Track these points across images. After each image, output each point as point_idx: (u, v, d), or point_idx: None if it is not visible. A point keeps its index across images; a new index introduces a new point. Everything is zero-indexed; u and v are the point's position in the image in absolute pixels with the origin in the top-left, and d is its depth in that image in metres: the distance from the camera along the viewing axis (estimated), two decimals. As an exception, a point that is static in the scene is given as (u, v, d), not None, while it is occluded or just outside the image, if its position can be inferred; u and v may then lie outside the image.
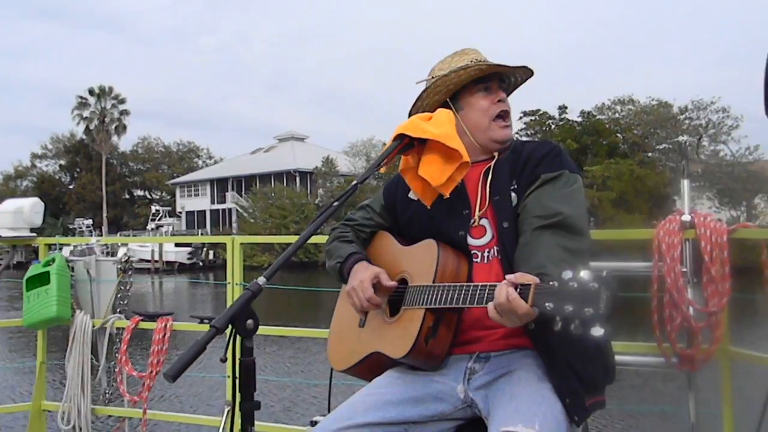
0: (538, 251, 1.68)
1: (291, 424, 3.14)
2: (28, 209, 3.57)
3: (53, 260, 3.37)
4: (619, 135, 40.93)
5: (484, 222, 1.87)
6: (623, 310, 1.36)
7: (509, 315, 1.45)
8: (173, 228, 54.54)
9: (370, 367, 1.97)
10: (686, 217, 2.41)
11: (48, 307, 3.25)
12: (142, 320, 3.32)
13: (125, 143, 70.91)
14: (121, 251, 3.43)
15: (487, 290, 1.59)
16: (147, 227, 54.27)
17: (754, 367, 2.33)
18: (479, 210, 1.88)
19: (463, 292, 1.67)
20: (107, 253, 3.53)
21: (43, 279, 3.33)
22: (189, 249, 42.89)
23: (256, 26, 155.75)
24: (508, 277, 1.47)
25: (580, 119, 41.93)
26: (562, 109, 42.44)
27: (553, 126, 42.12)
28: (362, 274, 1.90)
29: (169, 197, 64.43)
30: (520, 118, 41.47)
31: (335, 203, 1.65)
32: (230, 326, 1.41)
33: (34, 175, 68.99)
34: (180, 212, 59.46)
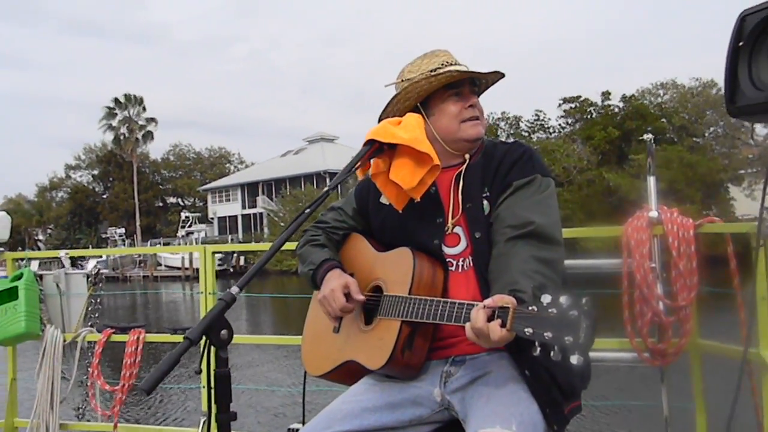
0: (512, 264, 1.69)
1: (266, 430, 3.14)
2: (-5, 223, 3.50)
3: (21, 275, 3.33)
4: (663, 120, 38.95)
5: (458, 230, 1.89)
6: (595, 307, 1.37)
7: (486, 339, 1.47)
8: (206, 234, 54.37)
9: (346, 373, 1.99)
10: (653, 214, 2.47)
11: (17, 323, 3.21)
12: (114, 333, 3.30)
13: (157, 151, 72.11)
14: (91, 263, 3.38)
15: (464, 309, 1.61)
16: (178, 234, 54.27)
17: (724, 359, 2.39)
18: (452, 218, 1.89)
19: (440, 308, 1.68)
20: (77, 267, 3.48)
21: (11, 294, 3.28)
22: (220, 255, 42.31)
23: (286, 32, 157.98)
24: (486, 301, 1.49)
25: (621, 104, 40.09)
26: (606, 95, 40.47)
27: (594, 113, 40.51)
28: (334, 283, 1.90)
29: (201, 203, 64.79)
30: (560, 105, 40.35)
31: (307, 210, 1.65)
32: (204, 337, 1.41)
33: (68, 186, 69.42)
34: (212, 218, 59.38)
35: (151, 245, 45.36)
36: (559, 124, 41.06)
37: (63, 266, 3.38)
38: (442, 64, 1.95)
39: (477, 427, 1.62)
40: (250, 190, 56.93)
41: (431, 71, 1.94)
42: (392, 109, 2.01)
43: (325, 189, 1.76)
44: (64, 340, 3.36)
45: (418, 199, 1.84)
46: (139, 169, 61.85)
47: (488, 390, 1.74)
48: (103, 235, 57.60)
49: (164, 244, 50.13)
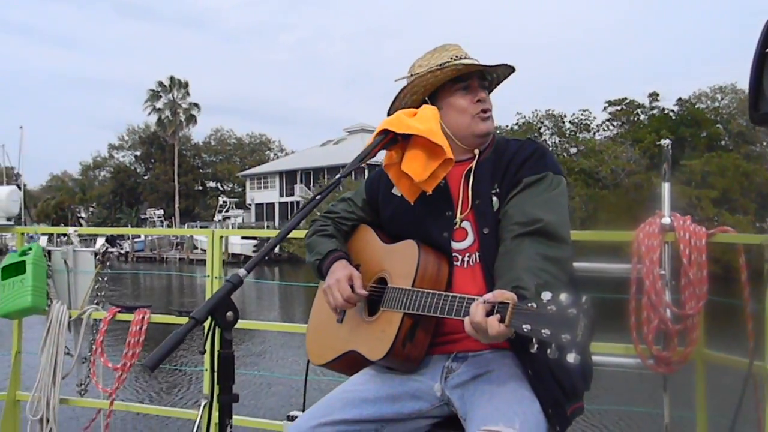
0: (517, 261, 1.69)
1: (267, 418, 3.15)
2: (5, 197, 3.57)
3: (30, 249, 3.40)
4: (719, 126, 37.97)
5: (466, 225, 1.90)
6: (602, 312, 1.40)
7: (483, 333, 1.47)
8: (243, 219, 55.39)
9: (347, 363, 2.01)
10: (666, 220, 2.45)
11: (23, 297, 3.29)
12: (119, 312, 3.36)
13: (198, 135, 74.04)
14: (99, 242, 3.46)
15: (465, 303, 1.61)
16: (215, 218, 54.98)
17: (729, 370, 2.37)
18: (461, 213, 1.89)
19: (441, 301, 1.69)
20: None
21: (19, 268, 3.36)
22: (255, 242, 43.19)
23: (334, 23, 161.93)
24: (485, 296, 1.49)
25: (676, 108, 39.13)
26: (653, 96, 39.59)
27: (642, 115, 39.78)
28: (339, 273, 1.93)
29: (239, 189, 66.00)
30: (605, 108, 39.64)
31: (317, 197, 1.66)
32: (210, 318, 1.42)
33: (111, 165, 71.71)
34: (249, 204, 60.30)
35: (188, 228, 46.14)
36: (604, 125, 40.22)
37: (71, 243, 3.45)
38: (451, 58, 1.95)
39: (480, 424, 1.62)
40: (289, 178, 57.47)
41: (439, 65, 1.94)
42: (399, 104, 2.02)
43: (337, 176, 1.77)
44: (70, 317, 3.43)
45: (430, 192, 1.84)
46: (181, 151, 63.30)
47: (491, 388, 1.74)
48: (143, 216, 59.03)
49: (201, 227, 51.00)
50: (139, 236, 50.65)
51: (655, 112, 39.64)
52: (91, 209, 71.45)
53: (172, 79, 61.79)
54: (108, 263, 3.49)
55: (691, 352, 2.36)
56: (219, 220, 53.76)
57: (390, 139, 1.81)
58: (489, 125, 1.95)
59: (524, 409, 1.67)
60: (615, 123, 40.43)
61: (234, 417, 1.51)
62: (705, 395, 2.44)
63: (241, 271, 1.47)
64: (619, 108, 40.30)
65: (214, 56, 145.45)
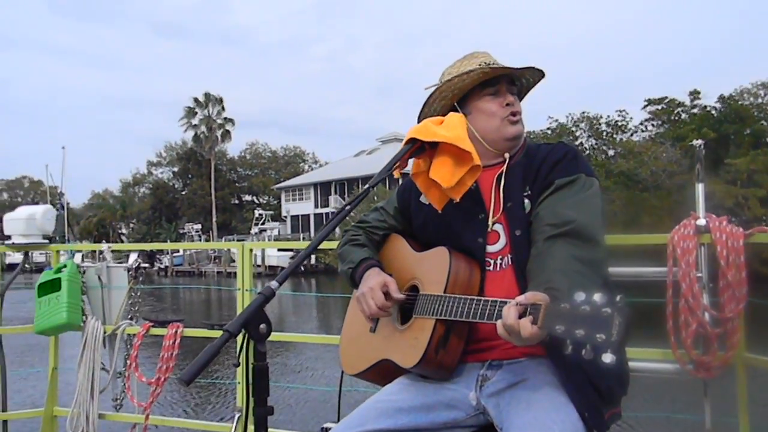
0: (549, 262, 1.69)
1: (302, 430, 3.17)
2: (41, 216, 3.66)
3: (65, 266, 3.47)
4: (764, 122, 37.06)
5: (497, 228, 1.90)
6: (638, 316, 1.36)
7: (516, 336, 1.46)
8: (279, 232, 56.25)
9: (381, 373, 2.02)
10: (701, 222, 2.40)
11: (58, 314, 3.35)
12: (152, 326, 3.40)
13: (234, 149, 75.49)
14: (132, 257, 3.51)
15: (497, 306, 1.61)
16: (251, 231, 56.17)
17: None
18: (493, 216, 1.90)
19: (473, 306, 1.70)
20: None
21: (54, 285, 3.43)
22: (291, 254, 43.70)
23: (365, 33, 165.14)
24: (518, 298, 1.48)
25: (718, 105, 38.16)
26: (694, 94, 38.63)
27: (683, 114, 39.02)
28: (372, 281, 1.94)
29: (275, 202, 67.35)
30: (645, 107, 39.13)
31: (347, 207, 1.67)
32: (243, 331, 1.43)
33: (150, 182, 73.79)
34: (285, 216, 61.33)
35: (224, 241, 46.87)
36: (642, 125, 39.50)
37: (105, 259, 3.51)
38: (480, 65, 1.95)
39: None
40: (323, 189, 57.93)
41: (467, 71, 1.94)
42: (428, 110, 2.04)
43: (366, 186, 1.78)
44: (105, 332, 3.49)
45: (458, 200, 1.84)
46: (217, 166, 64.45)
47: (527, 396, 1.73)
48: (181, 231, 60.05)
49: (238, 240, 51.70)
50: (178, 251, 51.46)
51: (696, 111, 38.79)
52: (131, 225, 72.91)
53: (207, 95, 63.08)
54: (141, 278, 3.54)
55: (731, 357, 2.30)
56: (255, 233, 54.48)
57: (417, 148, 1.82)
58: (518, 128, 1.96)
59: (562, 417, 1.65)
60: (654, 123, 39.73)
61: (269, 430, 1.51)
62: (747, 400, 2.38)
63: (273, 284, 1.48)
64: (659, 107, 39.53)
65: (248, 72, 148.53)
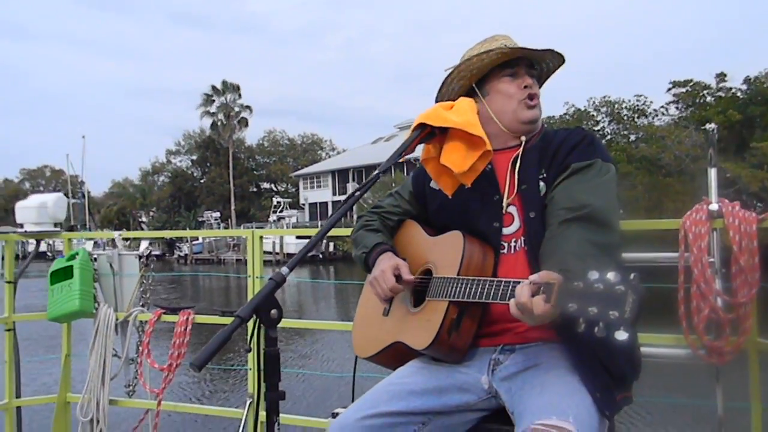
0: (564, 245, 1.69)
1: (312, 416, 3.19)
2: (52, 204, 3.70)
3: (77, 254, 3.51)
4: None
5: (512, 209, 1.90)
6: (649, 301, 1.35)
7: (529, 314, 1.47)
8: (297, 219, 56.56)
9: (393, 356, 2.03)
10: (714, 206, 2.39)
11: (71, 301, 3.40)
12: (164, 313, 3.44)
13: (252, 138, 75.98)
14: (143, 245, 3.55)
15: (510, 286, 1.62)
16: (269, 219, 56.59)
17: None
18: (507, 197, 1.90)
19: (486, 286, 1.70)
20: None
21: (66, 273, 3.47)
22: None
23: (381, 20, 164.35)
24: (531, 276, 1.49)
25: (744, 87, 36.82)
26: (721, 76, 37.41)
27: (708, 97, 37.85)
28: (385, 264, 1.96)
29: (293, 189, 67.59)
30: (669, 89, 38.27)
31: (357, 193, 1.68)
32: (254, 316, 1.44)
33: (169, 170, 74.36)
34: (303, 204, 61.60)
35: (243, 229, 47.23)
36: (664, 108, 38.83)
37: (116, 247, 3.55)
38: (500, 46, 1.96)
39: (533, 417, 1.61)
40: (341, 176, 58.04)
41: (483, 52, 1.95)
42: (446, 90, 2.05)
43: (375, 172, 1.77)
44: (116, 319, 3.53)
45: (469, 185, 1.85)
46: (235, 154, 64.74)
47: (541, 381, 1.73)
48: (200, 219, 60.51)
49: (257, 228, 52.05)
50: (197, 239, 51.89)
51: (721, 93, 38.12)
52: (151, 213, 73.59)
53: (224, 83, 63.30)
54: (152, 266, 3.57)
55: (744, 342, 2.29)
56: (273, 221, 54.75)
57: (427, 133, 1.82)
58: (535, 113, 1.96)
59: (577, 401, 1.65)
60: (677, 106, 39.07)
61: (280, 415, 1.52)
62: (759, 385, 2.37)
63: (284, 269, 1.49)
64: (684, 90, 38.89)
65: (265, 60, 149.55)
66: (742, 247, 2.30)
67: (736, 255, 2.30)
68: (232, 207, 61.80)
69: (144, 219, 73.71)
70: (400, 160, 1.84)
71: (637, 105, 37.75)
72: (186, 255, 53.19)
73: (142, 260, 3.53)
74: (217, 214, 60.02)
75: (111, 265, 3.53)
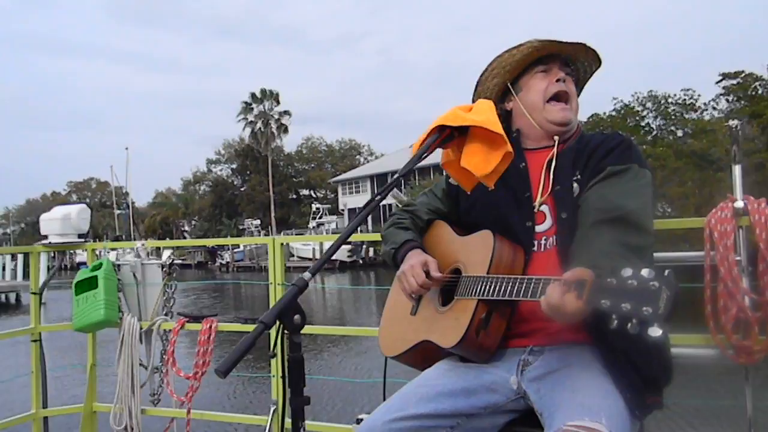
0: (595, 245, 1.69)
1: (335, 422, 3.21)
2: (75, 215, 3.79)
3: (101, 265, 3.59)
4: None
5: (544, 209, 1.91)
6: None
7: (561, 312, 1.48)
8: (336, 225, 56.96)
9: (421, 355, 2.04)
10: (739, 204, 2.37)
11: (96, 311, 3.47)
12: (187, 322, 3.50)
13: (290, 145, 76.73)
14: (166, 254, 3.61)
15: (541, 284, 1.61)
16: (309, 225, 57.19)
17: None
18: (541, 196, 1.91)
19: (517, 284, 1.70)
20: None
21: (91, 283, 3.55)
22: (349, 247, 44.45)
23: (419, 24, 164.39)
24: (564, 275, 1.48)
25: None
26: None
27: (760, 89, 36.59)
28: (414, 260, 1.97)
29: (332, 195, 68.17)
30: (718, 82, 37.88)
31: (377, 197, 1.69)
32: (278, 322, 1.44)
33: (210, 179, 75.45)
34: (342, 209, 61.89)
35: (284, 235, 47.79)
36: (714, 101, 37.85)
37: (139, 256, 3.62)
38: (530, 42, 1.99)
39: (564, 418, 1.61)
40: (379, 181, 57.92)
41: (514, 47, 2.00)
42: (482, 89, 2.10)
43: (395, 176, 1.76)
44: (141, 328, 3.61)
45: (492, 187, 1.84)
46: (274, 162, 65.35)
47: (572, 382, 1.73)
48: (241, 227, 61.24)
49: (297, 234, 52.54)
50: (238, 247, 52.51)
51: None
52: (193, 222, 74.79)
53: (262, 90, 63.98)
54: (174, 275, 3.63)
55: None
56: (313, 227, 55.12)
57: (446, 136, 1.81)
58: (565, 115, 1.97)
59: (609, 403, 1.65)
60: (728, 99, 38.04)
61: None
62: None
63: (306, 275, 1.49)
64: (734, 82, 37.92)
65: (302, 69, 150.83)
66: (769, 245, 2.25)
67: (763, 252, 2.27)
68: (272, 214, 62.40)
69: (186, 228, 74.94)
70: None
71: (686, 99, 36.87)
72: (228, 263, 53.90)
73: (164, 269, 3.58)
74: (258, 221, 60.58)
75: (134, 275, 3.61)
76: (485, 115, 1.79)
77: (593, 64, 2.09)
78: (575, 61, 2.07)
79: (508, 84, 2.05)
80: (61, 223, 3.75)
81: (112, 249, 3.80)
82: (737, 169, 2.47)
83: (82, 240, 3.82)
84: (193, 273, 53.56)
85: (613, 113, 36.16)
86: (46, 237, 3.77)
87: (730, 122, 2.54)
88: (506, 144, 1.76)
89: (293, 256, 46.67)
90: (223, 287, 31.41)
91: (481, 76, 2.08)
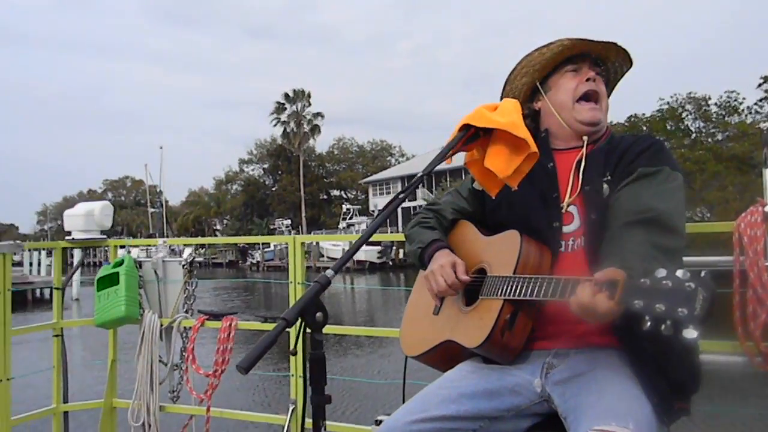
0: (626, 246, 1.68)
1: (354, 423, 3.21)
2: (99, 212, 3.83)
3: (122, 261, 3.63)
4: None
5: (572, 209, 1.91)
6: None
7: (592, 312, 1.47)
8: (366, 226, 57.29)
9: (442, 355, 2.04)
10: None
11: (117, 307, 3.51)
12: (207, 319, 3.51)
13: (322, 145, 77.98)
14: (187, 251, 3.64)
15: (570, 285, 1.60)
16: (339, 226, 57.80)
17: None
18: (570, 197, 1.90)
19: (545, 284, 1.68)
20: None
21: (113, 279, 3.59)
22: (378, 248, 44.71)
23: (452, 26, 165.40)
24: (595, 275, 1.47)
25: None
26: None
27: None
28: (443, 260, 1.96)
29: (362, 196, 68.97)
30: (760, 84, 37.95)
31: (401, 195, 1.69)
32: (300, 319, 1.44)
33: (242, 179, 76.51)
34: (373, 210, 62.44)
35: (313, 235, 48.22)
36: (758, 104, 37.13)
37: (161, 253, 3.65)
38: (560, 40, 1.99)
39: (591, 423, 1.60)
40: (410, 182, 58.13)
41: (544, 45, 2.00)
42: (511, 88, 2.10)
43: (419, 174, 1.80)
44: (161, 325, 3.64)
45: (515, 188, 1.84)
46: (305, 162, 66.02)
47: (598, 386, 1.72)
48: (272, 227, 61.85)
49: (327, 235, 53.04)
50: (268, 246, 52.95)
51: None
52: (225, 222, 75.69)
53: (295, 91, 64.59)
54: (194, 272, 3.65)
55: None
56: (343, 228, 55.40)
57: (471, 135, 1.81)
58: (596, 114, 1.97)
59: (636, 408, 1.63)
60: (769, 102, 37.27)
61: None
62: None
63: (329, 272, 1.49)
64: (776, 85, 37.11)
65: (336, 70, 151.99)
66: (800, 250, 2.22)
67: None
68: (303, 214, 62.94)
69: (218, 227, 75.88)
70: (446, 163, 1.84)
71: (729, 101, 36.18)
72: (258, 262, 54.44)
73: (185, 267, 3.61)
74: (288, 221, 61.20)
75: (156, 272, 3.64)
76: (510, 117, 1.79)
77: (624, 64, 2.08)
78: (606, 61, 2.06)
79: (537, 83, 2.05)
80: (85, 219, 3.79)
81: (135, 246, 3.84)
82: (767, 173, 2.48)
83: (105, 237, 3.86)
84: (224, 271, 54.21)
85: (658, 114, 35.59)
86: (69, 233, 3.82)
87: (762, 125, 2.50)
88: (530, 147, 1.75)
89: (323, 256, 46.90)
90: (254, 286, 31.67)
91: (510, 75, 2.07)
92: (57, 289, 3.67)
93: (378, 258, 45.56)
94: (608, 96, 2.07)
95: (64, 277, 3.76)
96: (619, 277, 1.40)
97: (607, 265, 1.56)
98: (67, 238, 3.83)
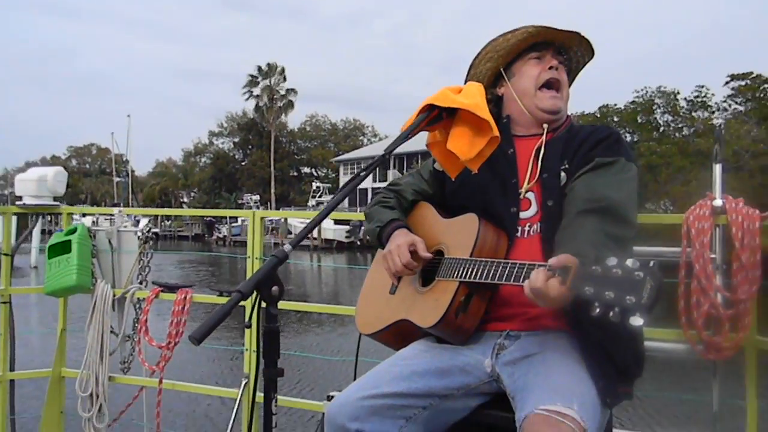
0: (579, 234, 1.72)
1: (306, 398, 3.22)
2: (52, 178, 3.75)
3: (75, 229, 3.56)
4: None
5: (530, 195, 1.94)
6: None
7: (544, 297, 1.50)
8: (336, 205, 57.23)
9: (397, 334, 2.06)
10: (717, 202, 2.41)
11: (68, 276, 3.45)
12: (162, 291, 3.48)
13: (294, 121, 77.01)
14: (143, 222, 3.60)
15: (525, 269, 1.64)
16: (308, 203, 57.25)
17: None
18: (528, 183, 1.94)
19: (500, 268, 1.72)
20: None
21: (65, 247, 3.52)
22: (347, 227, 44.53)
23: (430, 7, 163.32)
24: (549, 261, 1.51)
25: None
26: None
27: None
28: (400, 239, 1.99)
29: (333, 174, 68.43)
30: (727, 83, 38.14)
31: (362, 173, 1.70)
32: (255, 292, 1.45)
33: (211, 152, 75.58)
34: (342, 189, 62.18)
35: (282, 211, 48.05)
36: (725, 103, 37.79)
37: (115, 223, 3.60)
38: (525, 27, 2.02)
39: (537, 402, 1.64)
40: (382, 163, 58.15)
41: (509, 31, 2.03)
42: (475, 72, 2.12)
43: (381, 153, 1.80)
44: (114, 296, 3.59)
45: (476, 171, 1.86)
46: (277, 138, 65.44)
47: (546, 367, 1.76)
48: (240, 201, 61.39)
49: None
50: (236, 221, 52.64)
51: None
52: (192, 194, 74.88)
53: (269, 65, 63.81)
54: (150, 243, 3.62)
55: (742, 339, 2.30)
56: (312, 205, 55.25)
57: (434, 116, 1.82)
58: (556, 103, 2.00)
59: (582, 390, 1.68)
60: (737, 100, 37.96)
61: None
62: (756, 383, 2.38)
63: (287, 247, 1.51)
64: (743, 83, 37.84)
65: (311, 45, 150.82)
66: (744, 244, 2.30)
67: (738, 252, 2.30)
68: (272, 190, 62.60)
69: (185, 199, 75.02)
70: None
71: (698, 97, 36.70)
72: (224, 236, 54.04)
73: (140, 237, 3.56)
74: (257, 197, 60.72)
75: (110, 242, 3.59)
76: (474, 99, 1.81)
77: (586, 54, 2.12)
78: (569, 50, 2.09)
79: (501, 69, 2.07)
80: (37, 184, 3.72)
81: (90, 214, 3.77)
82: (717, 168, 2.50)
83: (58, 203, 3.79)
84: (190, 245, 53.69)
85: (631, 105, 35.97)
86: (21, 198, 3.74)
87: (714, 121, 2.56)
88: (492, 130, 1.77)
89: (291, 233, 46.74)
90: (221, 260, 31.47)
91: (474, 59, 2.09)
92: (5, 255, 3.60)
93: (346, 237, 45.58)
94: (569, 85, 2.10)
95: (14, 243, 3.68)
96: (571, 264, 1.44)
97: (561, 251, 1.61)
98: (17, 203, 3.75)
